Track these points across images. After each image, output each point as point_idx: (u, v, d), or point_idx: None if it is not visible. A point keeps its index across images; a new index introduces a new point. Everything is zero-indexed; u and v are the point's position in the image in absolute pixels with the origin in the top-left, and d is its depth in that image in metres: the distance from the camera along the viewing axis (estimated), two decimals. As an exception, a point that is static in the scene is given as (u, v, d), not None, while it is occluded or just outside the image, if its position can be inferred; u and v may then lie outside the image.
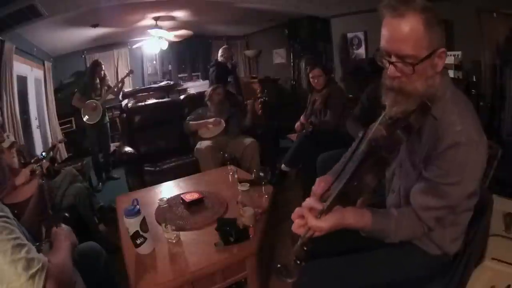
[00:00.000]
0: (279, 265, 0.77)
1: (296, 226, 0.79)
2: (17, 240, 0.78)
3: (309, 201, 0.81)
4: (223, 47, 4.11)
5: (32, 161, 1.75)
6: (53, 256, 0.91)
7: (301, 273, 0.78)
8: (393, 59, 0.79)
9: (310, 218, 0.76)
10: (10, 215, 0.86)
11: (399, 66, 0.79)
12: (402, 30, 0.75)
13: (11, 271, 0.74)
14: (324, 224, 0.76)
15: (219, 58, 4.00)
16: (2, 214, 0.80)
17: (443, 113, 0.80)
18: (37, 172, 1.60)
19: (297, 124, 2.90)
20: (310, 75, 2.74)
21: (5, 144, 1.79)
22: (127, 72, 4.27)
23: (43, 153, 1.84)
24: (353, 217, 0.81)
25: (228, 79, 4.27)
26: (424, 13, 0.74)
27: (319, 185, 1.02)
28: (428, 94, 0.79)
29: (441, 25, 0.78)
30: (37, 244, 0.97)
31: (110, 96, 3.48)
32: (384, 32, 0.79)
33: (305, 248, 0.75)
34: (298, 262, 0.74)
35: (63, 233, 1.08)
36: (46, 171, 2.06)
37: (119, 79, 3.72)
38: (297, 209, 0.81)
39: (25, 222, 1.25)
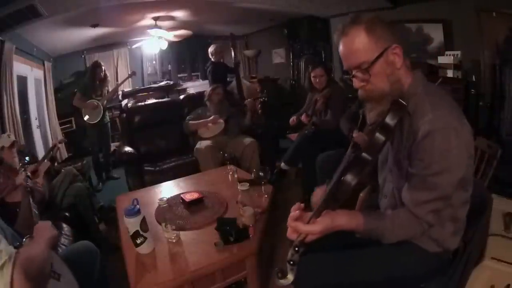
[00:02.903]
0: (276, 268, 0.79)
1: (290, 233, 0.82)
2: None
3: (295, 207, 0.85)
4: (212, 45, 3.98)
5: (17, 167, 1.77)
6: (25, 248, 0.93)
7: (298, 267, 0.79)
8: (353, 72, 0.88)
9: (299, 226, 0.80)
10: None
11: (359, 75, 0.87)
12: (350, 46, 0.85)
13: None
14: (314, 228, 0.79)
15: (211, 58, 3.96)
16: None
17: (415, 107, 0.83)
18: (23, 176, 1.62)
19: (292, 119, 2.89)
20: (312, 74, 2.73)
21: (6, 143, 1.79)
22: (129, 73, 4.28)
23: (27, 158, 1.87)
24: (344, 219, 0.83)
25: (228, 79, 4.26)
26: (364, 23, 0.83)
27: (316, 196, 1.07)
28: (396, 91, 0.85)
29: (386, 26, 0.85)
30: (23, 240, 1.00)
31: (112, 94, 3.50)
32: (340, 53, 0.89)
33: (296, 249, 0.77)
34: (292, 263, 0.75)
35: (43, 227, 1.09)
36: (47, 171, 2.08)
37: (119, 80, 3.72)
38: (291, 215, 0.84)
39: (20, 226, 1.25)
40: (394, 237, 0.86)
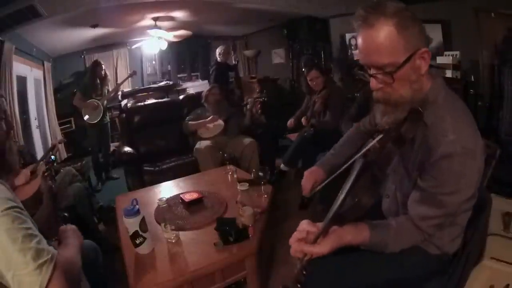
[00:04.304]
0: (281, 287, 0.78)
1: (294, 251, 0.79)
2: (29, 230, 0.78)
3: (302, 226, 0.82)
4: (221, 45, 4.11)
5: (41, 163, 1.76)
6: (62, 250, 0.92)
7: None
8: (373, 71, 0.77)
9: (307, 248, 0.77)
10: (23, 207, 0.86)
11: (379, 77, 0.77)
12: (375, 41, 0.72)
13: (20, 259, 0.74)
14: (323, 249, 0.77)
15: (218, 58, 4.01)
16: (15, 205, 0.80)
17: (434, 119, 0.78)
18: (47, 174, 1.60)
19: (290, 121, 2.90)
20: (308, 77, 2.76)
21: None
22: (129, 73, 4.29)
23: (53, 157, 1.86)
24: (351, 235, 0.82)
25: (230, 79, 4.28)
26: (396, 17, 0.71)
27: (307, 179, 1.06)
28: (416, 100, 0.77)
29: (418, 24, 0.74)
30: (46, 241, 0.98)
31: (113, 94, 3.51)
32: (359, 45, 0.77)
33: (304, 273, 0.76)
34: (299, 286, 0.75)
35: (71, 231, 1.08)
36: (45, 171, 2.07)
37: (119, 80, 3.73)
38: (294, 234, 0.81)
39: (37, 222, 1.25)
40: (396, 248, 0.86)
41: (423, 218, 0.82)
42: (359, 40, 0.76)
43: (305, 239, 0.79)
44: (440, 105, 0.78)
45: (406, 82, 0.76)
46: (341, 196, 0.72)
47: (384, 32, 0.71)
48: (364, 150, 0.75)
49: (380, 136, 0.75)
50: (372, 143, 0.73)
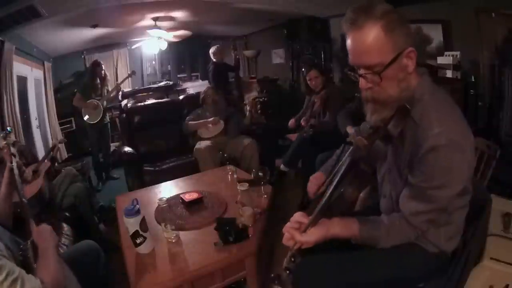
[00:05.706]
0: (272, 275, 0.81)
1: (286, 240, 0.85)
2: (9, 277, 0.74)
3: (295, 217, 0.87)
4: (213, 46, 4.12)
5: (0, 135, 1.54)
6: (43, 269, 0.86)
7: (298, 268, 0.82)
8: (362, 71, 0.80)
9: (295, 235, 0.83)
10: None
11: (368, 77, 0.80)
12: (364, 42, 0.76)
13: None
14: (309, 238, 0.82)
15: (213, 58, 4.04)
16: None
17: (421, 116, 0.79)
18: (5, 151, 1.36)
19: (291, 121, 2.91)
20: (307, 77, 2.77)
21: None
22: (128, 73, 4.29)
23: (8, 128, 1.72)
24: (339, 227, 0.85)
25: (229, 79, 4.29)
26: (383, 19, 0.74)
27: (312, 184, 1.08)
28: (404, 98, 0.79)
29: (404, 25, 0.77)
30: (21, 246, 0.91)
31: (112, 94, 3.51)
32: (349, 46, 0.80)
33: (293, 260, 0.81)
34: (288, 272, 0.80)
35: (46, 232, 0.99)
36: (47, 171, 2.07)
37: (119, 80, 3.73)
38: (287, 224, 0.87)
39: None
40: (388, 244, 0.87)
41: (414, 214, 0.83)
42: (349, 42, 0.80)
43: (298, 229, 0.84)
44: (427, 102, 0.80)
45: (394, 81, 0.79)
46: (329, 190, 0.76)
47: (372, 34, 0.74)
48: (353, 146, 0.76)
49: (369, 131, 0.78)
50: (361, 140, 0.74)
